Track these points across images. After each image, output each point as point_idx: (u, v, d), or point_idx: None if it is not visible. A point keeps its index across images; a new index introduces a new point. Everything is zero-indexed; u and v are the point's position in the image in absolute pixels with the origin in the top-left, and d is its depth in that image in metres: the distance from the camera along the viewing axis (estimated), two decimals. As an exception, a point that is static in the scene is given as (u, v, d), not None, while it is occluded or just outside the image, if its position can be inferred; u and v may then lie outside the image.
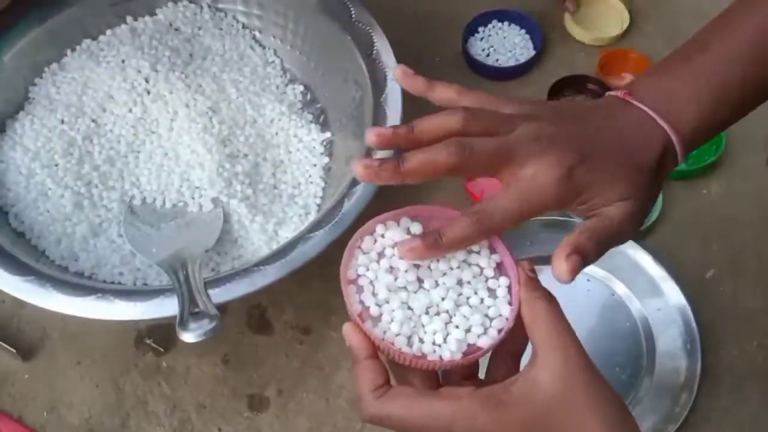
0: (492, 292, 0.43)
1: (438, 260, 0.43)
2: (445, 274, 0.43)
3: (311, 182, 0.70)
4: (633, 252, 0.66)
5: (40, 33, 0.72)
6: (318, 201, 0.69)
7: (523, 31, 0.83)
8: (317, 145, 0.72)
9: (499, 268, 0.43)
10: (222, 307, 0.54)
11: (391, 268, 0.42)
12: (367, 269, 0.42)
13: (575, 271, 0.40)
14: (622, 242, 0.44)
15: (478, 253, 0.43)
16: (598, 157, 0.42)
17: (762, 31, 0.45)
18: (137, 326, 0.65)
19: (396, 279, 0.42)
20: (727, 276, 0.67)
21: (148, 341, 0.65)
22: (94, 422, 0.61)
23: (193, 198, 0.67)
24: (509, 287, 0.42)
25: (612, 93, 0.45)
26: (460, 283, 0.42)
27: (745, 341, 0.64)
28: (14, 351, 0.63)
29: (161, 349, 0.64)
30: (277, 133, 0.72)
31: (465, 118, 0.42)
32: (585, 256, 0.41)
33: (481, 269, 0.43)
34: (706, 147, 0.74)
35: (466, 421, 0.39)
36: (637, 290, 0.65)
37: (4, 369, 0.64)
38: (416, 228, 0.44)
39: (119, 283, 0.62)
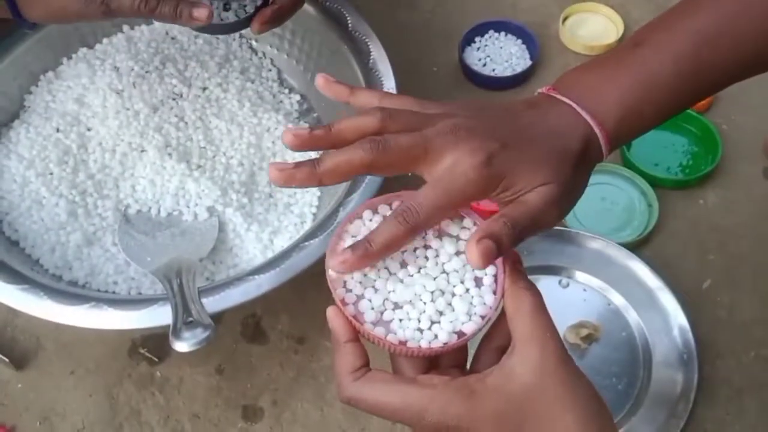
0: (478, 281, 0.43)
1: (426, 248, 0.43)
2: (430, 261, 0.43)
3: (307, 191, 0.70)
4: (629, 262, 0.66)
5: (36, 41, 0.72)
6: (314, 210, 0.69)
7: (519, 41, 0.83)
8: (313, 154, 0.71)
9: None
10: (216, 317, 0.54)
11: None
12: None
13: (487, 256, 0.39)
14: (543, 229, 0.43)
15: (467, 240, 0.43)
16: (517, 143, 0.42)
17: (699, 33, 0.45)
18: (131, 336, 0.65)
19: (382, 264, 0.42)
20: (723, 286, 0.67)
21: (142, 351, 0.64)
22: (87, 432, 0.61)
23: (188, 207, 0.67)
24: (495, 276, 0.42)
25: (540, 90, 0.46)
26: (445, 271, 0.43)
27: (742, 352, 0.63)
28: (7, 360, 0.62)
29: (155, 359, 0.64)
30: (273, 142, 0.72)
31: (382, 117, 0.42)
32: (499, 241, 0.40)
33: None
34: (703, 157, 0.75)
35: (438, 410, 0.39)
36: (633, 300, 0.65)
37: (-3, 378, 0.63)
38: None
39: (113, 292, 0.62)
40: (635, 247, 0.68)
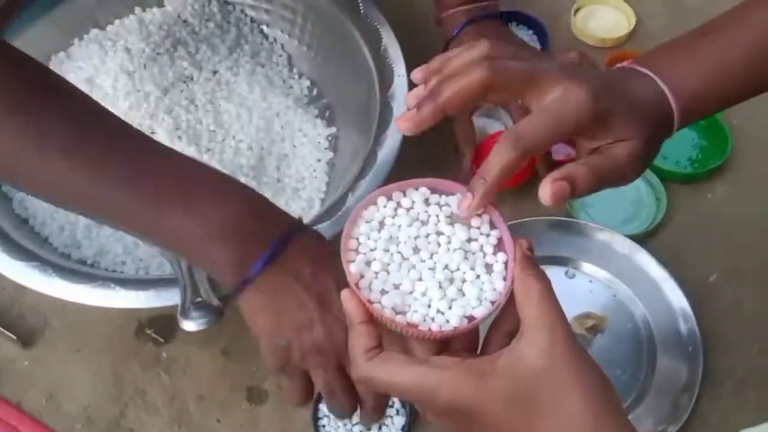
0: (489, 267, 0.44)
1: (438, 234, 0.44)
2: (442, 247, 0.44)
3: (315, 177, 0.70)
4: (636, 254, 0.66)
5: (47, 22, 0.72)
6: (321, 195, 0.69)
7: (530, 32, 0.83)
8: (322, 140, 0.72)
9: (499, 244, 0.44)
10: (223, 300, 0.54)
11: (391, 237, 0.44)
12: (368, 237, 0.44)
13: (558, 196, 0.42)
14: (622, 183, 0.46)
15: (479, 228, 0.44)
16: (616, 94, 0.44)
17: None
18: (138, 316, 0.65)
19: (395, 249, 0.43)
20: (730, 280, 0.67)
21: (148, 331, 0.65)
22: (93, 411, 0.61)
23: (197, 189, 0.67)
24: (506, 263, 0.43)
25: (619, 65, 0.48)
26: (457, 258, 0.43)
27: (747, 345, 0.63)
28: (14, 338, 0.63)
29: (161, 340, 0.64)
30: (282, 127, 0.72)
31: (491, 45, 0.44)
32: (574, 184, 0.42)
33: (481, 245, 0.44)
34: (712, 151, 0.74)
35: (450, 390, 0.40)
36: (639, 292, 0.65)
37: (4, 355, 0.64)
38: (419, 198, 0.45)
39: (121, 272, 0.62)
40: (642, 240, 0.68)
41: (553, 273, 0.66)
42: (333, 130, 0.72)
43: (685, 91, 0.46)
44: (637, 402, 0.60)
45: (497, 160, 0.42)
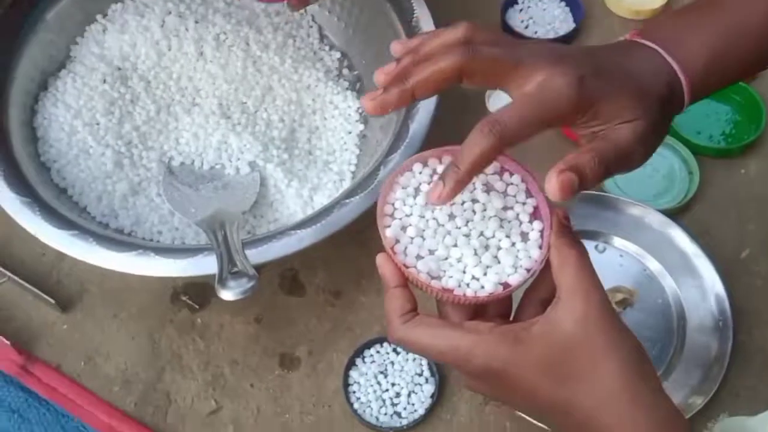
0: (524, 236, 0.44)
1: (473, 201, 0.44)
2: (478, 214, 0.44)
3: (346, 149, 0.71)
4: (667, 229, 0.66)
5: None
6: (352, 168, 0.69)
7: (563, 3, 0.82)
8: (353, 113, 0.72)
9: (535, 213, 0.45)
10: (257, 268, 0.55)
11: (426, 204, 0.44)
12: (404, 203, 0.44)
13: (567, 189, 0.40)
14: (631, 168, 0.44)
15: (515, 196, 0.45)
16: (608, 73, 0.42)
17: None
18: (174, 283, 0.67)
19: (430, 215, 0.44)
20: (762, 256, 0.66)
21: (183, 298, 0.66)
22: (130, 373, 0.63)
23: (230, 161, 0.68)
24: (542, 231, 0.44)
25: (623, 36, 0.46)
26: (493, 224, 0.44)
27: (778, 322, 0.63)
28: (53, 302, 0.65)
29: (196, 306, 0.66)
30: (313, 100, 0.73)
31: (468, 27, 0.42)
32: (582, 175, 0.40)
33: (517, 214, 0.44)
34: (746, 126, 0.73)
35: (484, 354, 0.40)
36: (670, 267, 0.65)
37: (43, 319, 0.66)
38: None
39: (158, 242, 0.64)
40: (674, 215, 0.68)
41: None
42: (364, 102, 0.72)
43: (695, 63, 0.43)
44: (665, 376, 0.60)
45: (471, 148, 0.39)
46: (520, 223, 0.44)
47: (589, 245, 0.66)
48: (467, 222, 0.44)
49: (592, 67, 0.41)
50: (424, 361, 0.62)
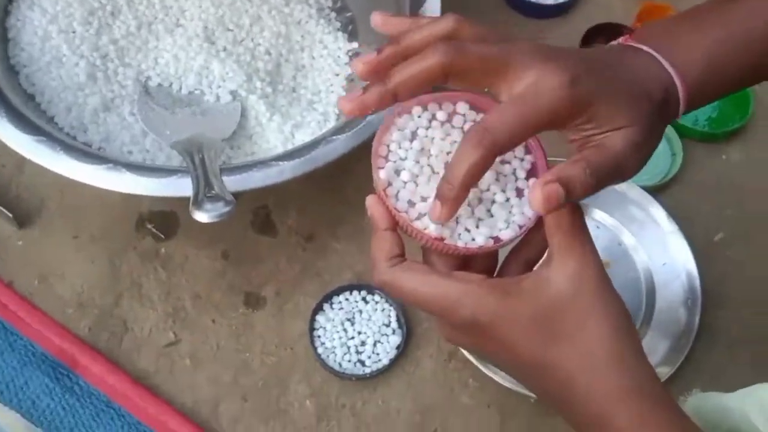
0: (520, 192, 0.43)
1: None
2: None
3: (332, 91, 0.68)
4: (646, 205, 0.66)
5: None
6: (337, 110, 0.67)
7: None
8: (342, 54, 0.70)
9: (532, 170, 0.43)
10: (235, 196, 0.53)
11: (422, 149, 0.43)
12: (399, 146, 0.43)
13: (552, 202, 0.38)
14: (623, 178, 0.41)
15: (513, 151, 0.43)
16: (602, 75, 0.39)
17: None
18: (139, 209, 0.64)
19: (426, 161, 0.42)
20: (735, 241, 0.67)
21: (148, 226, 0.63)
22: (86, 297, 0.60)
23: (211, 88, 0.65)
24: None
25: (617, 41, 0.44)
26: (489, 177, 0.42)
27: (744, 307, 0.64)
28: (11, 216, 0.61)
29: (161, 236, 0.63)
30: (302, 36, 0.70)
31: (456, 20, 0.40)
32: (570, 187, 0.38)
33: (514, 169, 0.43)
34: (732, 113, 0.74)
35: (472, 304, 0.39)
36: (644, 242, 0.65)
37: (-3, 233, 0.62)
38: (455, 112, 0.43)
39: (128, 161, 0.61)
40: (653, 193, 0.67)
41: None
42: (354, 45, 0.70)
43: (693, 70, 0.41)
44: (633, 346, 0.60)
45: (461, 164, 0.37)
46: (516, 178, 0.43)
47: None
48: None
49: (585, 67, 0.39)
50: (392, 313, 0.61)
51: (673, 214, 0.66)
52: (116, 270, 0.62)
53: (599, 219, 0.67)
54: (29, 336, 0.57)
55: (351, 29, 0.72)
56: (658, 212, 0.66)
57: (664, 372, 0.58)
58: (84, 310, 0.60)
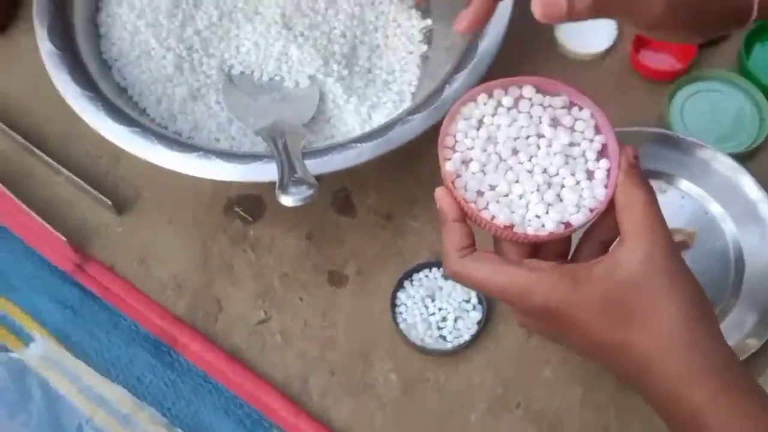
0: (590, 174, 0.43)
1: (539, 137, 0.43)
2: (542, 150, 0.43)
3: (406, 70, 0.69)
4: (734, 173, 0.64)
5: None
6: (413, 89, 0.68)
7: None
8: (416, 32, 0.70)
9: (602, 151, 0.43)
10: (318, 179, 0.54)
11: (489, 137, 0.43)
12: (466, 136, 0.43)
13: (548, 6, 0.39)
14: (635, 16, 0.41)
15: (582, 132, 0.43)
16: None
17: None
18: (228, 194, 0.67)
19: (493, 149, 0.43)
20: (830, 208, 0.64)
21: (237, 209, 0.66)
22: (182, 278, 0.64)
23: (290, 73, 0.67)
24: (608, 171, 0.42)
25: None
26: (558, 160, 0.42)
27: (840, 275, 0.61)
28: (110, 203, 0.65)
29: (249, 219, 0.66)
30: (376, 17, 0.71)
31: None
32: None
33: (583, 151, 0.43)
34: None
35: (543, 292, 0.40)
36: (732, 212, 0.63)
37: (98, 221, 0.66)
38: (522, 97, 0.43)
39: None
40: (742, 159, 0.65)
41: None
42: (428, 22, 0.70)
43: None
44: (721, 317, 0.59)
45: None
46: (586, 160, 0.43)
47: (652, 184, 0.65)
48: (531, 158, 0.43)
49: None
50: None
51: (763, 181, 0.63)
52: (208, 252, 0.65)
53: (684, 189, 0.65)
54: (132, 316, 0.61)
55: (424, 6, 0.72)
56: (746, 180, 0.63)
57: (752, 344, 0.57)
58: (180, 291, 0.63)
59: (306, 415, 0.58)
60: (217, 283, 0.64)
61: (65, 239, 0.63)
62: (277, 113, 0.63)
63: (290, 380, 0.60)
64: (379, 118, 0.65)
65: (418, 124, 0.57)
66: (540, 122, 0.43)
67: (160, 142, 0.56)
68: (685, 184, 0.65)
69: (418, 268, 0.63)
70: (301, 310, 0.63)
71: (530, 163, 0.43)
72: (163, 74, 0.65)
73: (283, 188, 0.50)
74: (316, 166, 0.55)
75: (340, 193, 0.67)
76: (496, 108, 0.44)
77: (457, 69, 0.59)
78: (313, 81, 0.66)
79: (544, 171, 0.42)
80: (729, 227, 0.63)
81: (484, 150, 0.43)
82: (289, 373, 0.60)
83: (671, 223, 0.61)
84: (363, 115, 0.65)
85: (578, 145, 0.43)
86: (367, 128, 0.64)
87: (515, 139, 0.43)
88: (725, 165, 0.64)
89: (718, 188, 0.64)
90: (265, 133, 0.58)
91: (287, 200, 0.50)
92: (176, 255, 0.65)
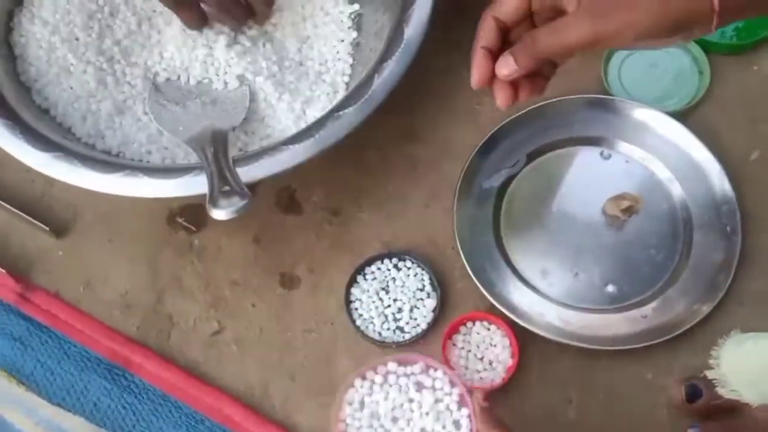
0: (457, 423, 0.53)
1: (410, 401, 0.54)
2: (416, 412, 0.53)
3: (339, 59, 0.67)
4: (675, 132, 0.64)
5: None
6: (346, 79, 0.66)
7: None
8: (345, 19, 0.68)
9: (461, 400, 0.53)
10: (251, 188, 0.53)
11: (372, 414, 0.53)
12: (353, 418, 0.53)
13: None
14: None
15: (442, 389, 0.54)
16: None
17: None
18: (168, 205, 0.65)
19: (378, 423, 0.53)
20: (773, 158, 0.64)
21: (179, 220, 0.65)
22: (131, 297, 0.63)
23: (218, 75, 0.65)
24: (469, 416, 0.52)
25: None
26: (431, 418, 0.52)
27: (787, 226, 0.62)
28: (47, 228, 0.63)
29: (193, 228, 0.65)
30: (302, 6, 0.69)
31: None
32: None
33: (447, 405, 0.53)
34: (760, 21, 0.69)
35: None
36: (677, 172, 0.63)
37: (38, 246, 0.65)
38: (388, 373, 0.54)
39: (147, 162, 0.62)
40: (683, 116, 0.65)
41: (588, 153, 0.64)
42: (356, 7, 0.68)
43: None
44: (670, 283, 0.59)
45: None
46: (451, 412, 0.53)
47: (593, 151, 0.65)
48: (409, 422, 0.53)
49: None
50: (426, 276, 0.62)
51: (705, 137, 0.63)
52: (155, 268, 0.63)
53: (626, 152, 0.65)
54: (82, 342, 0.60)
55: (351, -10, 0.70)
56: (688, 138, 0.63)
57: (702, 310, 0.57)
58: (130, 310, 0.62)
59: (269, 423, 0.57)
60: (166, 298, 0.62)
61: (4, 271, 0.61)
62: (207, 119, 0.61)
63: (251, 389, 0.59)
64: (313, 113, 0.64)
65: (349, 119, 0.56)
66: (408, 389, 0.54)
67: (84, 165, 0.54)
68: (626, 147, 0.65)
69: (369, 262, 0.62)
70: (255, 317, 0.62)
71: (409, 427, 0.53)
72: (85, 90, 0.63)
73: (214, 202, 0.49)
74: (249, 173, 0.54)
75: (284, 192, 0.66)
76: (371, 387, 0.54)
77: (384, 57, 0.58)
78: (242, 80, 0.65)
79: (422, 430, 0.53)
80: (675, 188, 0.63)
81: (371, 426, 0.53)
82: (249, 383, 0.60)
83: (619, 189, 0.63)
84: (297, 111, 0.64)
85: (441, 401, 0.53)
86: (302, 124, 0.62)
87: (392, 409, 0.53)
88: (663, 124, 0.64)
89: (660, 149, 0.64)
90: (195, 143, 0.57)
91: (219, 214, 0.49)
92: (121, 274, 0.63)
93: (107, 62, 0.64)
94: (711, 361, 0.50)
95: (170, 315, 0.62)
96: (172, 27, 0.65)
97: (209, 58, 0.65)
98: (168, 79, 0.65)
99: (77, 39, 0.64)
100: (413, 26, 0.58)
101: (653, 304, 0.59)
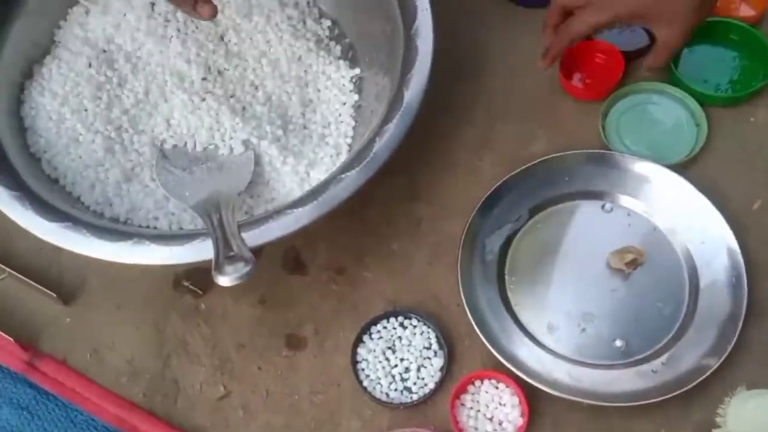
0: None
1: None
2: None
3: (341, 121, 0.69)
4: (675, 184, 0.64)
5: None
6: (349, 141, 0.68)
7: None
8: (346, 83, 0.70)
9: None
10: (256, 250, 0.54)
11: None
12: None
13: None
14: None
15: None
16: None
17: None
18: (174, 270, 0.66)
19: None
20: (774, 207, 0.65)
21: (185, 284, 0.65)
22: (137, 363, 0.63)
23: (224, 140, 0.66)
24: None
25: None
26: None
27: (793, 274, 0.62)
28: (55, 296, 0.64)
29: (199, 291, 0.65)
30: (305, 72, 0.70)
31: None
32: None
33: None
34: (754, 72, 0.71)
35: None
36: (679, 224, 0.63)
37: (46, 314, 0.65)
38: None
39: (155, 228, 0.62)
40: (682, 169, 0.66)
41: (590, 207, 0.65)
42: (357, 71, 0.70)
43: None
44: (678, 336, 0.59)
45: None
46: None
47: (595, 205, 0.65)
48: None
49: None
50: (432, 334, 0.61)
51: (705, 189, 0.64)
52: (161, 332, 0.64)
53: (628, 206, 0.65)
54: (89, 410, 0.60)
55: (351, 55, 0.72)
56: (689, 190, 0.64)
57: (711, 364, 0.56)
58: (137, 376, 0.62)
59: (277, 489, 0.57)
60: (173, 362, 0.62)
61: (12, 339, 0.62)
62: (213, 184, 0.62)
63: (258, 454, 0.59)
64: (317, 175, 0.65)
65: (352, 181, 0.57)
66: None
67: (93, 234, 0.55)
68: (628, 201, 0.65)
69: (375, 321, 0.62)
70: (261, 380, 0.62)
71: None
72: (93, 159, 0.64)
73: (219, 268, 0.49)
74: (254, 237, 0.55)
75: (290, 253, 0.67)
76: None
77: (385, 120, 0.59)
78: (247, 145, 0.66)
79: None
80: (679, 240, 0.63)
81: None
82: (256, 447, 0.59)
83: (621, 242, 0.63)
84: (301, 174, 0.65)
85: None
86: (306, 187, 0.63)
87: None
88: (664, 177, 0.64)
89: (662, 201, 0.64)
90: (201, 209, 0.57)
91: (224, 280, 0.49)
92: (128, 340, 0.63)
93: (115, 131, 0.66)
94: (717, 419, 0.50)
95: (176, 380, 0.62)
96: (179, 94, 0.67)
97: (215, 124, 0.66)
98: (175, 146, 0.66)
99: (86, 110, 0.66)
100: (413, 90, 0.59)
101: (662, 358, 0.58)
